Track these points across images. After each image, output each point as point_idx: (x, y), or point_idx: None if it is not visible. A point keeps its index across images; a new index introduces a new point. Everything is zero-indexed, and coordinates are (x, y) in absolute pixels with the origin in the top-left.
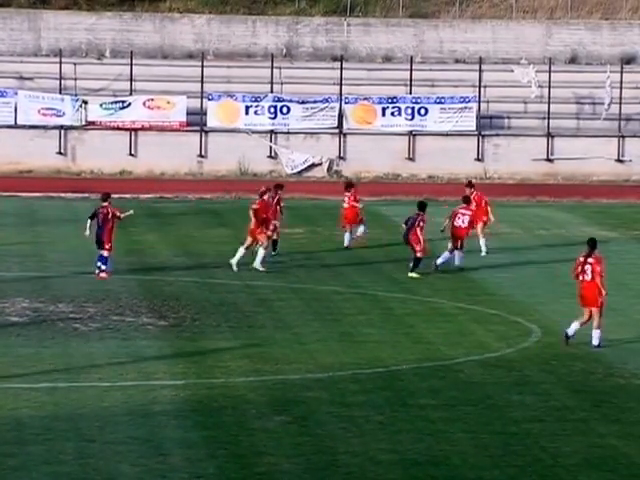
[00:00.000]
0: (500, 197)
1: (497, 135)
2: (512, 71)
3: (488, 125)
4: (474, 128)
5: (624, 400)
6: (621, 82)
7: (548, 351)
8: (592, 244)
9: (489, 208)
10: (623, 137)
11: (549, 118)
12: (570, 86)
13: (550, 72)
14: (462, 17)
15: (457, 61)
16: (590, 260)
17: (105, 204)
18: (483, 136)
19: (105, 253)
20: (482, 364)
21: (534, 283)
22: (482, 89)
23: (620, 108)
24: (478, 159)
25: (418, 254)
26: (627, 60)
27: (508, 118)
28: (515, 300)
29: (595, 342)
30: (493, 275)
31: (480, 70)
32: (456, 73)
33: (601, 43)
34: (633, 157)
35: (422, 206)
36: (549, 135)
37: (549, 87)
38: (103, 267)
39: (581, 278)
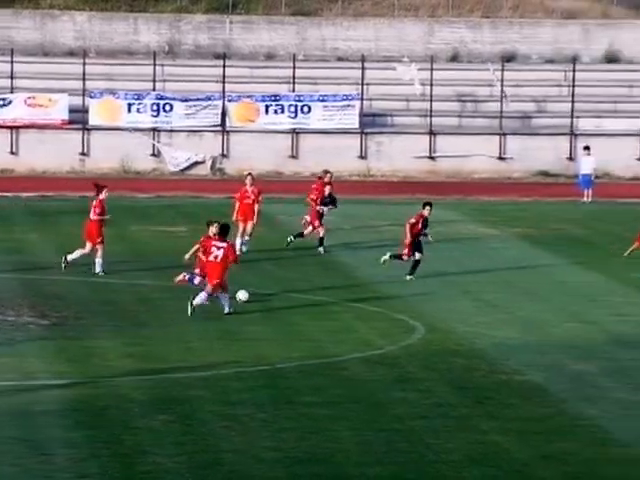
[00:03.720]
0: (383, 195)
1: (380, 133)
2: (394, 69)
3: (371, 123)
4: (357, 126)
5: (506, 396)
6: (502, 80)
7: (431, 348)
8: None
9: None
10: (504, 135)
11: (431, 116)
12: (452, 84)
13: (432, 70)
14: (344, 15)
15: (340, 59)
16: None
17: None
18: (366, 134)
19: None
20: (366, 361)
21: (417, 280)
22: (365, 87)
23: (501, 106)
24: (361, 157)
25: (404, 257)
26: (507, 58)
27: (391, 116)
28: (398, 297)
29: None
30: (376, 272)
31: (363, 68)
32: (339, 71)
33: (482, 41)
34: (514, 155)
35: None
36: (431, 133)
37: (431, 85)
38: None
39: None
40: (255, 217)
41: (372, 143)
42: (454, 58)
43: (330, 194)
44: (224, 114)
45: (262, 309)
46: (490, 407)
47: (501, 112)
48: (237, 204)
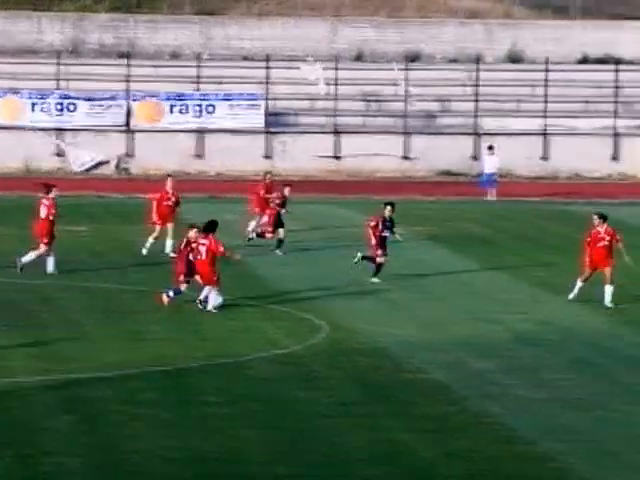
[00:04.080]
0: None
1: (285, 132)
2: (299, 68)
3: (276, 122)
4: (262, 125)
5: (410, 395)
6: (406, 80)
7: (336, 347)
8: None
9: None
10: (408, 134)
11: (336, 115)
12: (356, 83)
13: (337, 69)
14: (249, 14)
15: (244, 58)
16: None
17: None
18: (271, 133)
19: None
20: (271, 361)
21: (321, 279)
22: (269, 86)
23: (405, 105)
24: (266, 156)
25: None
26: (412, 58)
27: (296, 115)
28: (303, 297)
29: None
30: (281, 272)
31: (267, 67)
32: (243, 70)
33: (386, 41)
34: (418, 154)
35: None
36: (336, 132)
37: (336, 84)
38: None
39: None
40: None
41: (277, 142)
42: (358, 58)
43: (286, 197)
44: (129, 113)
45: (167, 308)
46: (394, 405)
47: (405, 111)
48: (155, 205)
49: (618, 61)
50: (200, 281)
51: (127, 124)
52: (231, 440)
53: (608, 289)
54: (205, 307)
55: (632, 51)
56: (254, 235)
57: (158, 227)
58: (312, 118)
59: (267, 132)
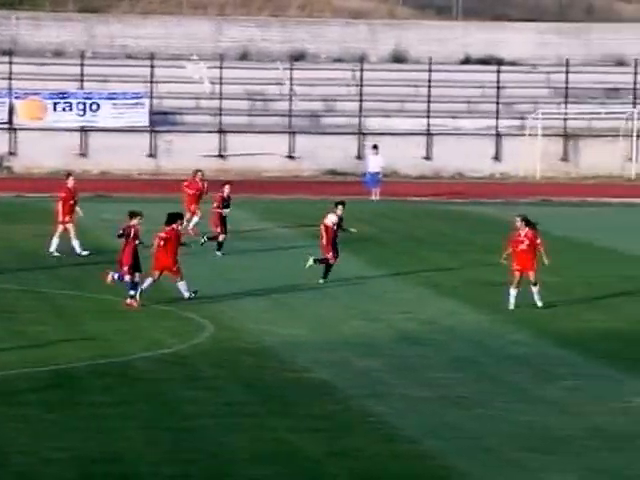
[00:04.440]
0: (172, 194)
1: (170, 131)
2: (184, 67)
3: (161, 121)
4: (146, 124)
5: (295, 394)
6: (291, 79)
7: (221, 346)
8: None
9: None
10: (294, 133)
11: (221, 114)
12: (241, 83)
13: (221, 68)
14: (133, 12)
15: (129, 57)
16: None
17: None
18: (156, 132)
19: None
20: (155, 361)
21: (204, 279)
22: (154, 85)
23: (290, 105)
24: (151, 155)
25: (330, 261)
26: (296, 57)
27: (181, 114)
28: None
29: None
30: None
31: (152, 66)
32: (128, 69)
33: (271, 40)
34: (303, 153)
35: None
36: (221, 131)
37: (220, 83)
38: None
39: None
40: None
41: (162, 141)
42: (244, 57)
43: (229, 196)
44: (11, 111)
45: (51, 309)
46: (280, 405)
47: (290, 111)
48: (60, 205)
49: (500, 62)
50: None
51: (10, 122)
52: (116, 440)
53: (534, 289)
54: (193, 293)
55: (514, 52)
56: (206, 238)
57: (62, 226)
58: (197, 117)
59: (152, 131)
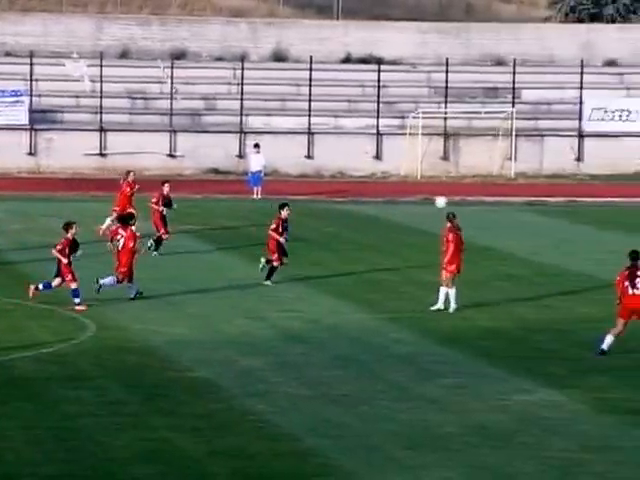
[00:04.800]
0: (53, 192)
1: (50, 129)
2: (64, 65)
3: (41, 119)
4: (26, 122)
5: (177, 393)
6: (172, 77)
7: (103, 345)
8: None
9: None
10: (175, 132)
11: (101, 113)
12: (122, 81)
13: (102, 66)
14: (12, 10)
15: (7, 54)
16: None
17: None
18: (35, 130)
19: None
20: (36, 360)
21: (89, 279)
22: (34, 83)
23: (171, 103)
24: (30, 153)
25: (274, 263)
26: (177, 56)
27: (61, 112)
28: (70, 296)
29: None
30: (47, 270)
31: (31, 64)
32: (7, 66)
33: (152, 38)
34: (185, 152)
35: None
36: (102, 130)
37: (101, 82)
38: None
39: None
40: None
41: (42, 139)
42: (124, 55)
43: (169, 194)
44: None
45: None
46: (162, 404)
47: (171, 109)
48: None
49: (380, 61)
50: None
51: None
52: None
53: (450, 291)
54: (99, 288)
55: (394, 51)
56: (151, 242)
57: None
58: (77, 115)
59: (31, 129)
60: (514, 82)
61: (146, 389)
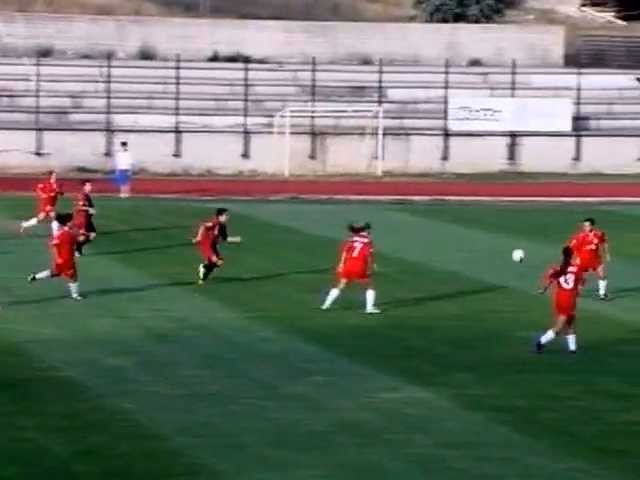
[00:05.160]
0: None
1: None
2: None
3: None
4: None
5: (44, 393)
6: (38, 75)
7: None
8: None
9: None
10: (40, 130)
11: None
12: None
13: None
14: None
15: None
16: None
17: None
18: None
19: None
20: None
21: None
22: None
23: (37, 101)
24: None
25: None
26: (43, 53)
27: None
28: None
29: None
30: None
31: None
32: None
33: (17, 35)
34: (51, 150)
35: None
36: None
37: None
38: None
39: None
40: None
41: None
42: None
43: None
44: None
45: None
46: (28, 404)
47: (37, 107)
48: None
49: (248, 60)
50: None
51: None
52: None
53: (370, 295)
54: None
55: (261, 50)
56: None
57: None
58: None
59: None
60: (380, 81)
61: (11, 389)
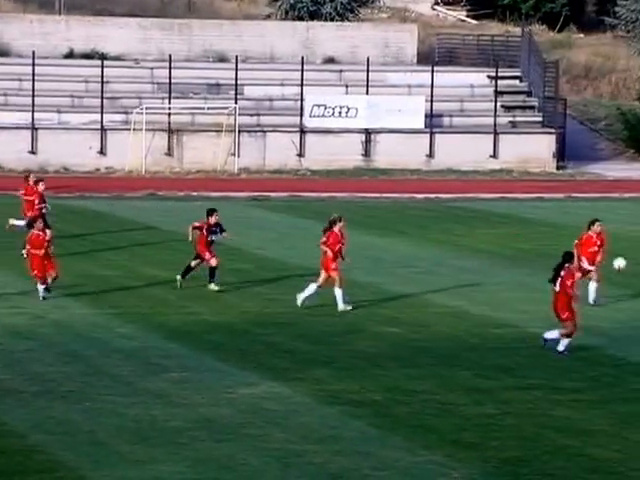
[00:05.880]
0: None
1: None
2: None
3: None
4: None
5: None
6: None
7: None
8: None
9: None
10: None
11: None
12: None
13: None
14: None
15: None
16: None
17: None
18: None
19: None
20: None
21: None
22: None
23: None
24: None
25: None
26: None
27: None
28: None
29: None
30: None
31: None
32: None
33: None
34: None
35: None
36: None
37: None
38: None
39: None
40: None
41: None
42: None
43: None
44: None
45: None
46: None
47: None
48: None
49: (103, 57)
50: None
51: None
52: None
53: (339, 293)
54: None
55: (117, 47)
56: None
57: None
58: None
59: None
60: (236, 79)
61: None
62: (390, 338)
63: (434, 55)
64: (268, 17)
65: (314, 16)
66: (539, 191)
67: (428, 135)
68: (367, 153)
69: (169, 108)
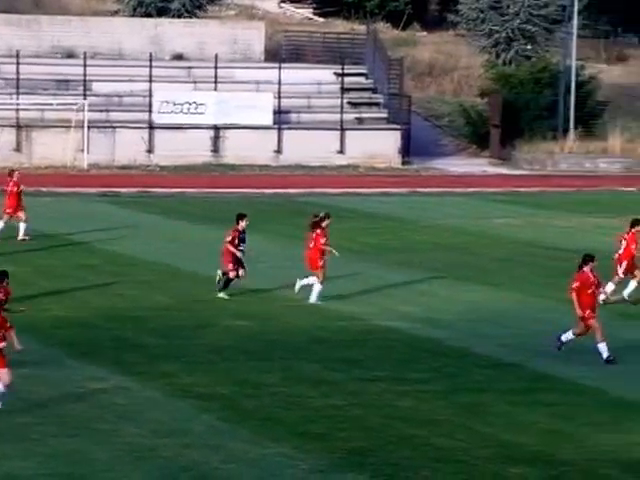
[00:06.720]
0: None
1: None
2: None
3: None
4: None
5: None
6: None
7: None
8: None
9: None
10: None
11: None
12: None
13: None
14: None
15: None
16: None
17: None
18: None
19: None
20: None
21: None
22: None
23: None
24: None
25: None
26: None
27: None
28: None
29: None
30: None
31: None
32: None
33: None
34: None
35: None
36: None
37: None
38: None
39: None
40: None
41: None
42: None
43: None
44: None
45: None
46: None
47: None
48: None
49: None
50: None
51: None
52: None
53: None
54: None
55: None
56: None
57: None
58: None
59: None
60: (85, 75)
61: None
62: (240, 331)
63: (281, 52)
64: (116, 13)
65: (162, 13)
66: (385, 186)
67: (276, 131)
68: (216, 149)
69: (17, 104)
